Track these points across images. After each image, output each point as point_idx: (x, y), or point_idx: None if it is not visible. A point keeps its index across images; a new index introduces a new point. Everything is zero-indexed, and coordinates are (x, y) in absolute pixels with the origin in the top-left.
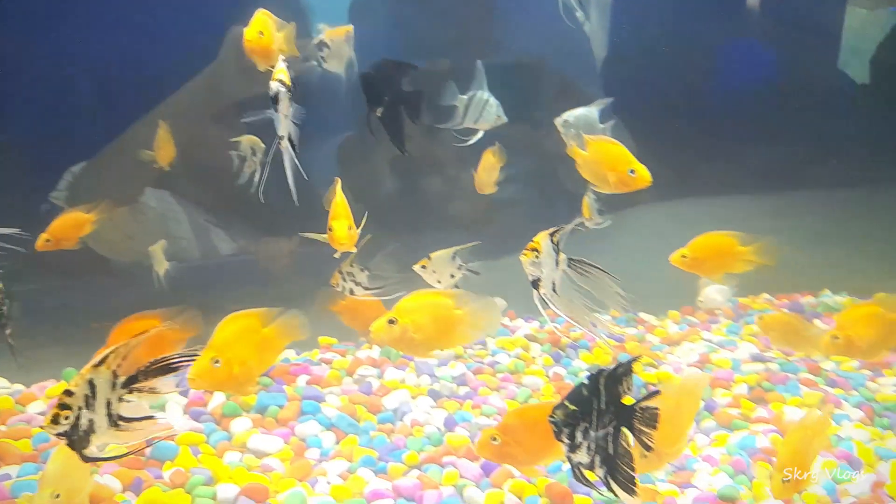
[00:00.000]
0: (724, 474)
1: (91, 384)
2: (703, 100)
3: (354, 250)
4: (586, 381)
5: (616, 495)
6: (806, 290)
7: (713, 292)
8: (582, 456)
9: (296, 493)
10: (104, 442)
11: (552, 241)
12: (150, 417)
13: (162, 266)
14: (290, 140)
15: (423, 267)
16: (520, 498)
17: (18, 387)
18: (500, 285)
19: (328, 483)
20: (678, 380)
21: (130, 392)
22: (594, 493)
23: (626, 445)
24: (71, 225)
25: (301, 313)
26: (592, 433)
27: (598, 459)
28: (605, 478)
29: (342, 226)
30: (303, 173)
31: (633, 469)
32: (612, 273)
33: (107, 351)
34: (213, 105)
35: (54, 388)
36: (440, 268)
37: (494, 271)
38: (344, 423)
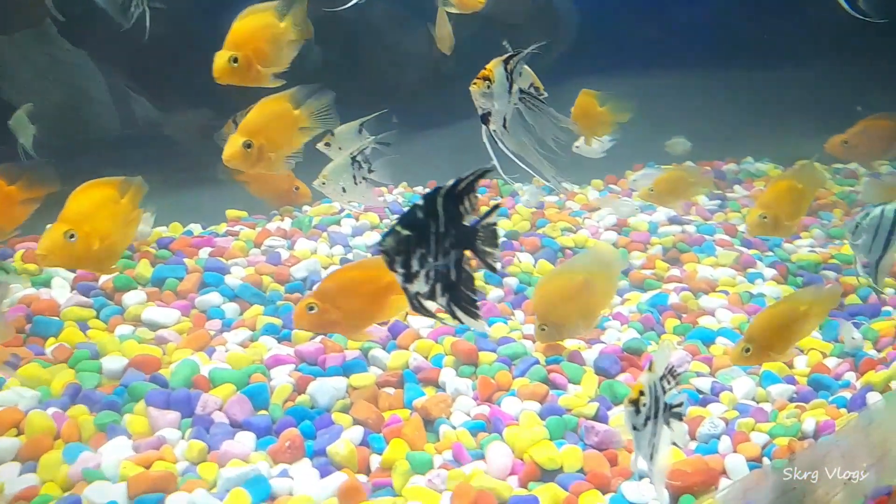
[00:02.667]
0: (633, 330)
1: None
2: None
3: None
4: (421, 203)
5: (460, 321)
6: (730, 157)
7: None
8: (420, 285)
9: (187, 361)
10: None
11: (506, 69)
12: None
13: (27, 133)
14: None
15: (327, 144)
16: (426, 357)
17: None
18: (424, 155)
19: (227, 351)
20: (592, 254)
21: None
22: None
23: (467, 269)
24: None
25: (142, 179)
26: (431, 259)
27: (439, 287)
28: (448, 305)
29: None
30: None
31: (475, 292)
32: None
33: None
34: None
35: None
36: (346, 143)
37: (422, 142)
38: (248, 293)
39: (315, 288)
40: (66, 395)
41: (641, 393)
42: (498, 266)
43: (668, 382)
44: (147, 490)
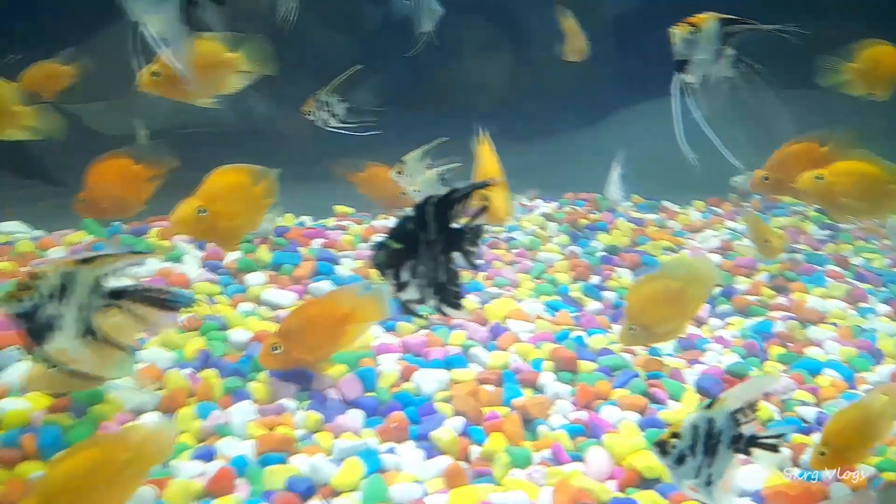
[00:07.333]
0: (736, 354)
1: (68, 278)
2: None
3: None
4: (412, 214)
5: (449, 316)
6: None
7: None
8: (411, 293)
9: None
10: (67, 348)
11: (721, 27)
12: (129, 351)
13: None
14: None
15: (399, 172)
16: (525, 359)
17: (39, 232)
18: (527, 167)
19: None
20: (688, 264)
21: (112, 306)
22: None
23: (453, 267)
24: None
25: (279, 173)
26: (422, 268)
27: (429, 292)
28: (439, 306)
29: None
30: None
31: (459, 286)
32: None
33: (95, 254)
34: None
35: (73, 235)
36: (413, 171)
37: (524, 155)
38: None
39: (278, 328)
40: (197, 359)
41: (675, 435)
42: (479, 262)
43: (745, 416)
44: (272, 449)
